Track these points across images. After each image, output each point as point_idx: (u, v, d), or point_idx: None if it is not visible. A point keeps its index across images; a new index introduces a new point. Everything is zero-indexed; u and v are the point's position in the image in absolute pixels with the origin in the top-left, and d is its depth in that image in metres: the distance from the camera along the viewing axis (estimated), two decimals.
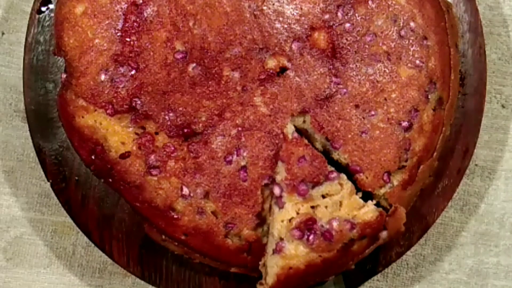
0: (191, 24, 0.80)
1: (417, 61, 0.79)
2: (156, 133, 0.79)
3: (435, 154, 0.81)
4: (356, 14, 0.80)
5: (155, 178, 0.79)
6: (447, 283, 0.90)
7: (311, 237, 0.74)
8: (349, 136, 0.78)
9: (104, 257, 0.89)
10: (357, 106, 0.79)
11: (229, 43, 0.79)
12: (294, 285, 0.76)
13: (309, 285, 0.78)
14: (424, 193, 0.84)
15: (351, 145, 0.78)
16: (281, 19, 0.80)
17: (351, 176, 0.78)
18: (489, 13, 0.92)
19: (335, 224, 0.74)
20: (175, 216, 0.78)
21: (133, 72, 0.79)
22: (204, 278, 0.85)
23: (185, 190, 0.78)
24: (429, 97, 0.79)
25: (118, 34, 0.79)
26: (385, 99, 0.79)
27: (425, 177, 0.82)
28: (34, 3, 0.86)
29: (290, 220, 0.75)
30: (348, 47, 0.79)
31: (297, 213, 0.75)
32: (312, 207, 0.75)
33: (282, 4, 0.80)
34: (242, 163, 0.79)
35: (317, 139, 0.79)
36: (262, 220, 0.78)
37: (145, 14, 0.79)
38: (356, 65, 0.79)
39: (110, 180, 0.79)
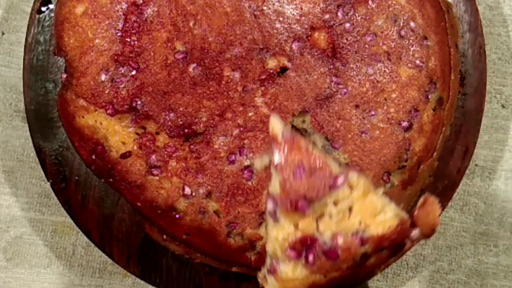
0: (191, 24, 0.80)
1: (417, 61, 0.79)
2: (157, 133, 0.79)
3: (435, 154, 0.81)
4: (356, 14, 0.80)
5: (157, 178, 0.79)
6: (447, 283, 0.90)
7: (310, 257, 0.63)
8: (349, 136, 0.79)
9: (104, 257, 0.88)
10: (357, 106, 0.79)
11: (229, 43, 0.79)
12: None
13: None
14: (424, 193, 0.84)
15: (351, 145, 0.78)
16: (281, 19, 0.80)
17: None
18: (489, 13, 0.92)
19: (340, 240, 0.61)
20: (177, 216, 0.78)
21: (133, 72, 0.79)
22: (204, 278, 0.85)
23: (187, 190, 0.78)
24: (429, 97, 0.79)
25: (119, 34, 0.79)
26: (385, 99, 0.79)
27: (425, 177, 0.82)
28: (34, 3, 0.86)
29: (286, 237, 0.64)
30: (348, 47, 0.79)
31: (295, 228, 0.63)
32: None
33: (282, 4, 0.80)
34: (246, 163, 0.79)
35: (316, 139, 0.79)
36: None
37: (146, 14, 0.79)
38: (356, 65, 0.79)
39: (111, 180, 0.79)
